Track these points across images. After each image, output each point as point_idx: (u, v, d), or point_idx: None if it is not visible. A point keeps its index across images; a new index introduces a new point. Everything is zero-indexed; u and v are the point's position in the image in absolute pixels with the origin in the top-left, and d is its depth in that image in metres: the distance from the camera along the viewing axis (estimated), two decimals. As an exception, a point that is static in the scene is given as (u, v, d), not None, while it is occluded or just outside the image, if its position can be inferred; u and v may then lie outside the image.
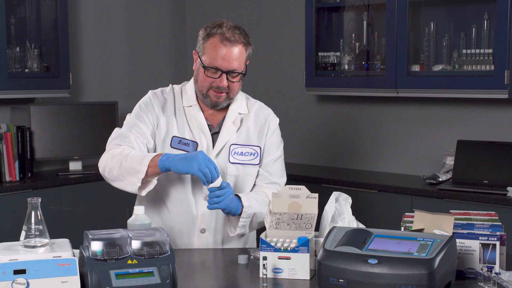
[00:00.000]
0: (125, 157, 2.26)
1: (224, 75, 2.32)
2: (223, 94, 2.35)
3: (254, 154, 2.44)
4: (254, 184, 2.47)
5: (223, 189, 2.21)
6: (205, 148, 2.38)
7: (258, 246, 2.47)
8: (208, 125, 2.42)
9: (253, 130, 2.46)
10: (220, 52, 2.30)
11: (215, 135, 2.42)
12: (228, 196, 2.24)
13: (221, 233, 2.43)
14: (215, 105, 2.38)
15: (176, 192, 2.40)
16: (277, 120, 2.53)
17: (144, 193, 2.30)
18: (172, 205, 2.41)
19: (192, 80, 2.45)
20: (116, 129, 2.41)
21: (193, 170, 2.14)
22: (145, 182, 2.27)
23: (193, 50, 2.41)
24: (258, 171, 2.46)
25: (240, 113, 2.45)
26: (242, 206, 2.32)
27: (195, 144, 2.38)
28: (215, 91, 2.35)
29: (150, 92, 2.48)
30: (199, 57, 2.36)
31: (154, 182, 2.29)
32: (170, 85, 2.51)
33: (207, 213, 2.38)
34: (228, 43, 2.31)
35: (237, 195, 2.33)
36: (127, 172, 2.24)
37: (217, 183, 2.19)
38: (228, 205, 2.25)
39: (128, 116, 2.44)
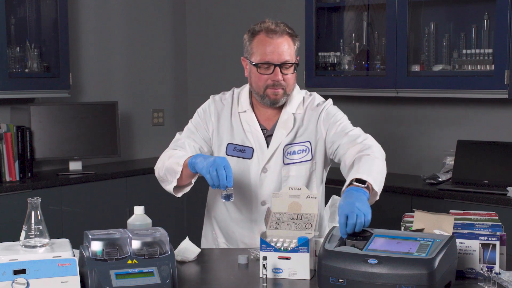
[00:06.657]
0: (168, 158, 2.33)
1: (278, 69, 2.31)
2: (280, 90, 2.35)
3: (305, 151, 2.42)
4: (309, 180, 2.42)
5: None
6: (259, 152, 2.39)
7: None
8: (263, 129, 2.42)
9: (305, 126, 2.43)
10: (269, 47, 2.31)
11: (269, 137, 2.42)
12: None
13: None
14: (274, 103, 2.37)
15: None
16: (327, 102, 2.46)
17: (179, 194, 2.37)
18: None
19: (247, 85, 2.46)
20: (177, 134, 2.48)
21: (202, 170, 2.16)
22: (183, 185, 2.34)
23: (241, 57, 2.41)
24: (338, 146, 2.33)
25: (293, 113, 2.43)
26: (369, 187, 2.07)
27: (251, 149, 2.40)
28: (272, 88, 2.34)
29: (210, 97, 2.51)
30: (248, 60, 2.37)
31: (189, 185, 2.37)
32: (233, 88, 2.51)
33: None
34: (274, 35, 2.31)
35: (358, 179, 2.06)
36: (168, 172, 2.31)
37: None
38: None
39: (189, 121, 2.50)
